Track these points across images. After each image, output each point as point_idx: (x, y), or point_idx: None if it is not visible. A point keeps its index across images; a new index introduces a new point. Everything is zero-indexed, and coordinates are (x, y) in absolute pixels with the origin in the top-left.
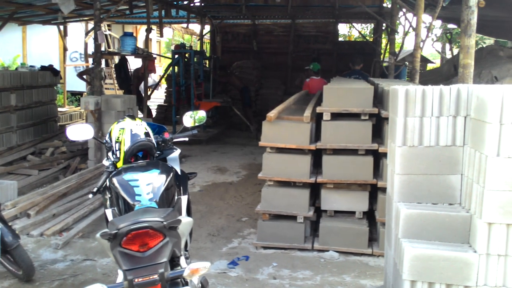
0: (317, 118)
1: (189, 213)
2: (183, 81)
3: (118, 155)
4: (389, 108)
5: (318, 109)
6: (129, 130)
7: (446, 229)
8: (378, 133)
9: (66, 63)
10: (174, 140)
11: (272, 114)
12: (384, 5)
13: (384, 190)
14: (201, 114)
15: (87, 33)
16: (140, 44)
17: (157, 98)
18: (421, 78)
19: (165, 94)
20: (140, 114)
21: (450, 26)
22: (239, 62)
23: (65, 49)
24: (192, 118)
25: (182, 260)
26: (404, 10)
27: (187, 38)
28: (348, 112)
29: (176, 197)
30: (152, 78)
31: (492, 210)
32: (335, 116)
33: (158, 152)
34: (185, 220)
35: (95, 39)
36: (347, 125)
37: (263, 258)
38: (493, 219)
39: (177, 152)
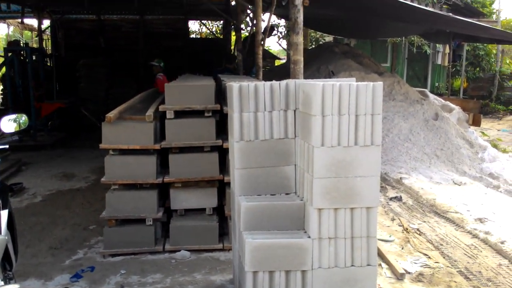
0: (162, 117)
1: (12, 229)
2: (19, 82)
3: None
4: (228, 104)
5: (161, 108)
6: None
7: (283, 218)
8: (223, 129)
9: None
10: None
11: (111, 114)
12: (234, 3)
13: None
14: (25, 116)
15: None
16: None
17: None
18: (270, 74)
19: (1, 96)
20: None
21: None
22: (86, 60)
23: None
24: (16, 122)
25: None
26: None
27: (27, 35)
28: (192, 110)
29: None
30: None
31: (320, 197)
32: (180, 114)
33: None
34: None
35: None
36: (191, 123)
37: (111, 266)
38: (322, 205)
39: None
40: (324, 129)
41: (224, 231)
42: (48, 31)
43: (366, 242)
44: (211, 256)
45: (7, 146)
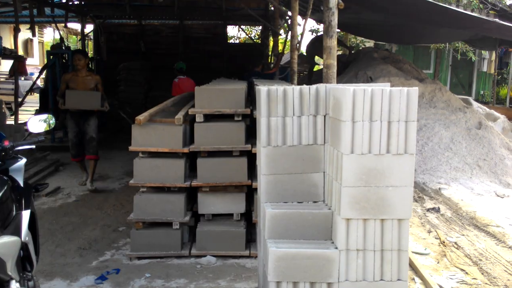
0: (192, 121)
1: (33, 230)
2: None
3: None
4: (256, 109)
5: (191, 111)
6: None
7: (310, 227)
8: (253, 134)
9: None
10: (18, 148)
11: (141, 117)
12: (271, 9)
13: None
14: (54, 118)
15: None
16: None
17: (36, 103)
18: (309, 79)
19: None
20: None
21: None
22: (126, 64)
23: None
24: (46, 123)
25: (14, 285)
26: (290, 13)
27: (73, 39)
28: (222, 114)
29: (13, 213)
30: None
31: (349, 206)
32: (210, 118)
33: None
34: (4, 240)
35: None
36: (220, 127)
37: (136, 269)
38: (350, 215)
39: (22, 162)
40: (354, 135)
41: (251, 238)
42: (91, 35)
43: (397, 255)
44: (237, 262)
45: (33, 146)
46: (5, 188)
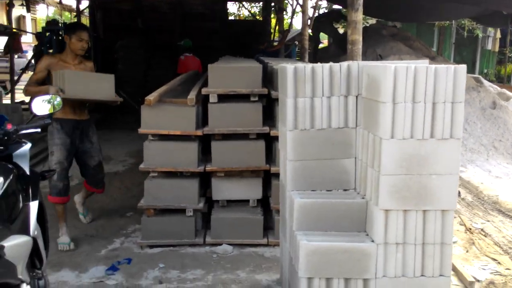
0: (204, 101)
1: (42, 222)
2: None
3: None
4: (279, 89)
5: (204, 91)
6: None
7: (342, 217)
8: (269, 115)
9: None
10: (22, 132)
11: (151, 97)
12: None
13: (277, 176)
14: (59, 98)
15: None
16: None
17: None
18: (314, 58)
19: None
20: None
21: (335, 7)
22: (124, 41)
23: None
24: (50, 104)
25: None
26: None
27: (67, 17)
28: (237, 94)
29: (20, 205)
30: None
31: (388, 196)
32: (223, 98)
33: (1, 147)
34: (15, 242)
35: None
36: (236, 108)
37: (149, 259)
38: (390, 206)
39: (27, 147)
40: (394, 118)
41: (268, 225)
42: (86, 12)
43: (439, 249)
44: (254, 251)
45: (39, 130)
46: (11, 177)
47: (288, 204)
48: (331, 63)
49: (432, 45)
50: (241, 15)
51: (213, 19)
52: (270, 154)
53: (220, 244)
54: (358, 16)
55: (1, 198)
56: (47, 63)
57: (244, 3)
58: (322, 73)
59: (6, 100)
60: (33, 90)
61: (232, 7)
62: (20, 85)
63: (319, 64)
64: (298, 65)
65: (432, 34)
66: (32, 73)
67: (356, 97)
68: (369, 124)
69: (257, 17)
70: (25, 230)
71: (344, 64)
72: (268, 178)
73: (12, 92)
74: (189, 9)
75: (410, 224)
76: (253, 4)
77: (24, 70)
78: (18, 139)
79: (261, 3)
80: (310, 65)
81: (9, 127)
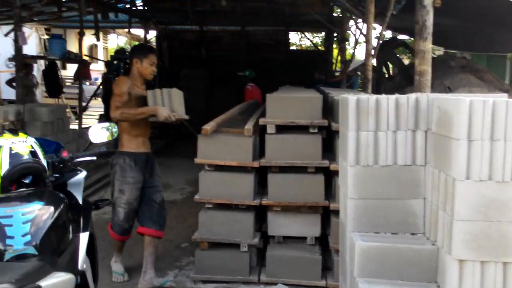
0: (261, 132)
1: (92, 254)
2: None
3: None
4: (339, 121)
5: (261, 121)
6: (7, 149)
7: (409, 265)
8: (329, 148)
9: (1, 68)
10: (77, 160)
11: (208, 126)
12: (335, 14)
13: (337, 213)
14: (117, 126)
15: (6, 34)
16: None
17: (100, 107)
18: (377, 89)
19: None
20: None
21: (401, 37)
22: (187, 71)
23: None
24: (108, 131)
25: None
26: (354, 18)
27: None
28: (295, 125)
29: (70, 236)
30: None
31: (463, 245)
32: (281, 129)
33: (56, 175)
34: (54, 281)
35: (15, 40)
36: (294, 139)
37: None
38: (465, 256)
39: (82, 175)
40: (470, 157)
41: (327, 265)
42: (153, 42)
43: None
44: None
45: (94, 158)
46: (61, 207)
47: (348, 246)
48: (397, 95)
49: (503, 78)
50: (303, 46)
51: (275, 50)
52: (330, 190)
53: (276, 284)
54: (427, 46)
55: (51, 228)
56: (128, 85)
57: (306, 33)
58: (387, 105)
59: (74, 125)
60: (134, 112)
61: (294, 37)
62: (89, 112)
63: (383, 95)
64: (361, 96)
65: (504, 66)
66: (100, 98)
67: (426, 132)
68: (441, 163)
69: (319, 47)
70: (73, 263)
71: (412, 96)
72: (327, 215)
73: (80, 117)
74: (252, 39)
75: (488, 277)
76: (315, 34)
77: (92, 96)
78: (73, 167)
79: (323, 33)
80: (374, 96)
81: (65, 154)
